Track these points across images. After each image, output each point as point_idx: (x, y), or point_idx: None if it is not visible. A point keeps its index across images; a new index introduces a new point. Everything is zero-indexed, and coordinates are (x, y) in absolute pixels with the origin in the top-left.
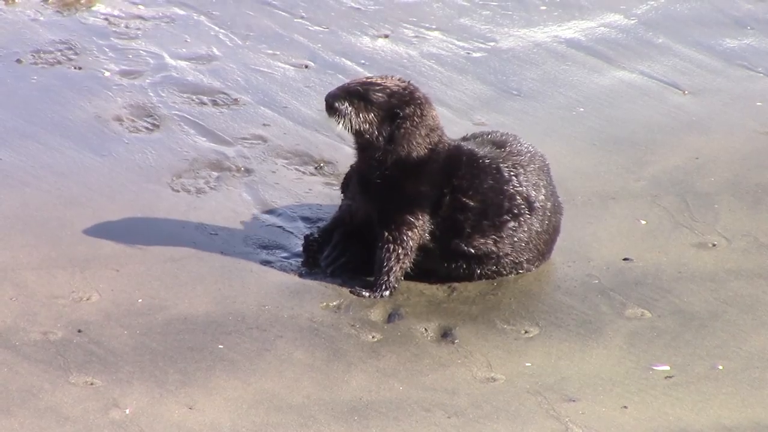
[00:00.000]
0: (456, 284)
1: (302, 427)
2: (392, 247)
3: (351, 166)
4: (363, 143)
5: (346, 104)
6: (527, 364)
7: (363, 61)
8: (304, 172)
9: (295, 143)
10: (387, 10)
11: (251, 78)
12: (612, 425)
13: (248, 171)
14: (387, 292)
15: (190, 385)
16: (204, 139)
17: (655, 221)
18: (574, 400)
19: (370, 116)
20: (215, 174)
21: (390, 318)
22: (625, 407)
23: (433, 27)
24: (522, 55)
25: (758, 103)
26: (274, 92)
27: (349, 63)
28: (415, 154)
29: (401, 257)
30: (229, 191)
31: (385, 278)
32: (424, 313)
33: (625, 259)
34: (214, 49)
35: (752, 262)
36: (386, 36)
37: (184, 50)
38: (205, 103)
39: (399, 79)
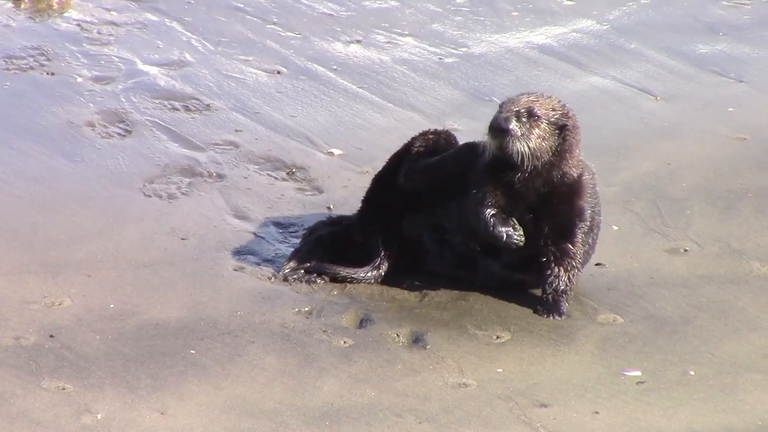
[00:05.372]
0: (427, 290)
1: None
2: (573, 262)
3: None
4: (533, 162)
5: (518, 125)
6: (499, 370)
7: (335, 67)
8: (276, 178)
9: (267, 149)
10: (359, 15)
11: (223, 84)
12: (583, 431)
13: (220, 176)
14: (566, 308)
15: (162, 391)
16: (176, 144)
17: (627, 227)
18: (545, 406)
19: (541, 132)
20: (187, 179)
21: (362, 324)
22: (597, 413)
23: (406, 33)
24: (494, 60)
25: (730, 109)
26: (246, 98)
27: (321, 69)
28: (574, 167)
29: (577, 272)
30: (201, 197)
31: (567, 295)
32: (395, 318)
33: (597, 265)
34: (187, 55)
35: (724, 267)
36: (359, 41)
37: (156, 56)
38: (177, 109)
39: (546, 95)
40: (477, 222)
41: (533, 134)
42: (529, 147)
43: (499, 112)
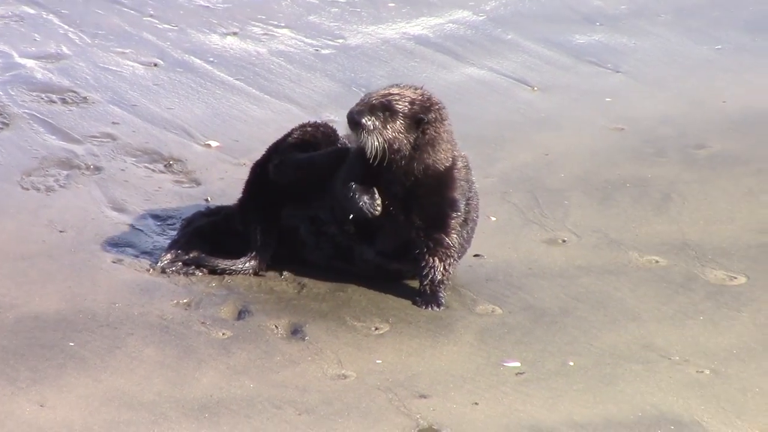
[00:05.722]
0: (306, 281)
1: (153, 424)
2: (448, 252)
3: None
4: (389, 155)
5: (372, 119)
6: (378, 361)
7: (212, 59)
8: (153, 170)
9: (145, 141)
10: (236, 7)
11: (100, 76)
12: (463, 421)
13: (98, 169)
14: (444, 298)
15: (41, 383)
16: (53, 137)
17: (505, 217)
18: (424, 397)
19: (397, 126)
20: (65, 172)
21: (240, 315)
22: (476, 403)
23: (282, 24)
24: (370, 52)
25: (607, 99)
26: (124, 90)
27: (198, 61)
28: (440, 160)
29: (454, 261)
30: (79, 189)
31: (444, 285)
32: (274, 310)
33: (475, 256)
34: (64, 48)
35: (602, 258)
36: (235, 33)
37: (33, 49)
38: (54, 102)
39: (414, 87)
40: (340, 191)
41: (388, 128)
42: (381, 141)
43: (357, 105)
